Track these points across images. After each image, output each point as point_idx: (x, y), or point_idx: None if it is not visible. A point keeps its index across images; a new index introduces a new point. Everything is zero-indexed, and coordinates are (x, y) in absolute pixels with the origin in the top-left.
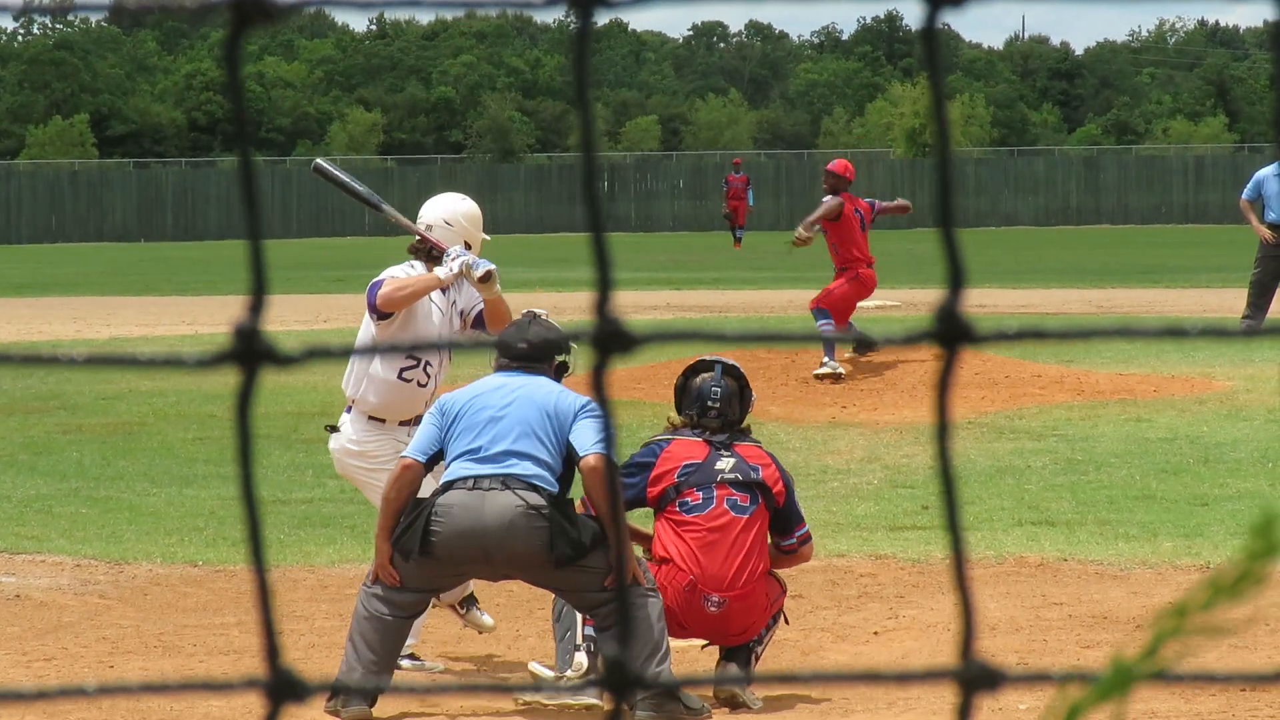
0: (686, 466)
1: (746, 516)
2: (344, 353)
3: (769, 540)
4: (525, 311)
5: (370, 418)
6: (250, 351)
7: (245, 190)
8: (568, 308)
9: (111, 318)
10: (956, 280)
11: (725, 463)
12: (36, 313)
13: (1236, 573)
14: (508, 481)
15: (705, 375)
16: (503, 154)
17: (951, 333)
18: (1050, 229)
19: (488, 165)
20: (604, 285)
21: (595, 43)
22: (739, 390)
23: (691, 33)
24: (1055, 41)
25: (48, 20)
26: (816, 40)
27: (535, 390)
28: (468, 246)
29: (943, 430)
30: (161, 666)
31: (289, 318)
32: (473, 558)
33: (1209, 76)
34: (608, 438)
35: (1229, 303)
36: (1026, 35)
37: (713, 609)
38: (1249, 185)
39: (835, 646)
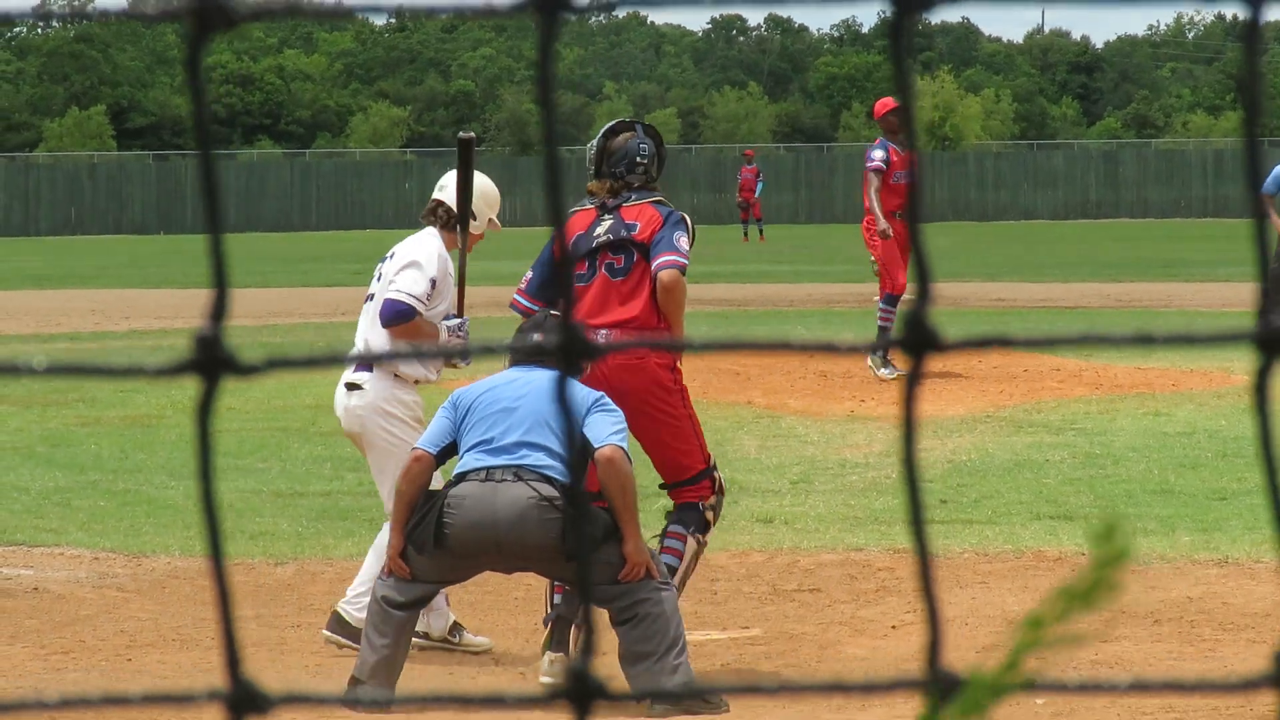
0: (576, 239)
1: (622, 278)
2: (304, 363)
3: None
4: (540, 310)
5: (396, 376)
6: (211, 360)
7: (207, 200)
8: None
9: (130, 310)
10: (924, 288)
11: (602, 226)
12: (56, 305)
13: (1089, 581)
14: (520, 473)
15: (627, 135)
16: (521, 147)
17: (918, 340)
18: (1069, 223)
19: (506, 158)
20: (567, 295)
21: (614, 35)
22: (656, 149)
23: (711, 26)
24: (1075, 35)
25: (67, 12)
26: (836, 34)
27: (549, 383)
28: (470, 218)
29: (909, 436)
30: (179, 660)
31: (308, 310)
32: (485, 549)
33: (1229, 70)
34: (620, 431)
35: (1248, 297)
36: (1047, 29)
37: (600, 337)
38: (1269, 179)
39: (853, 640)
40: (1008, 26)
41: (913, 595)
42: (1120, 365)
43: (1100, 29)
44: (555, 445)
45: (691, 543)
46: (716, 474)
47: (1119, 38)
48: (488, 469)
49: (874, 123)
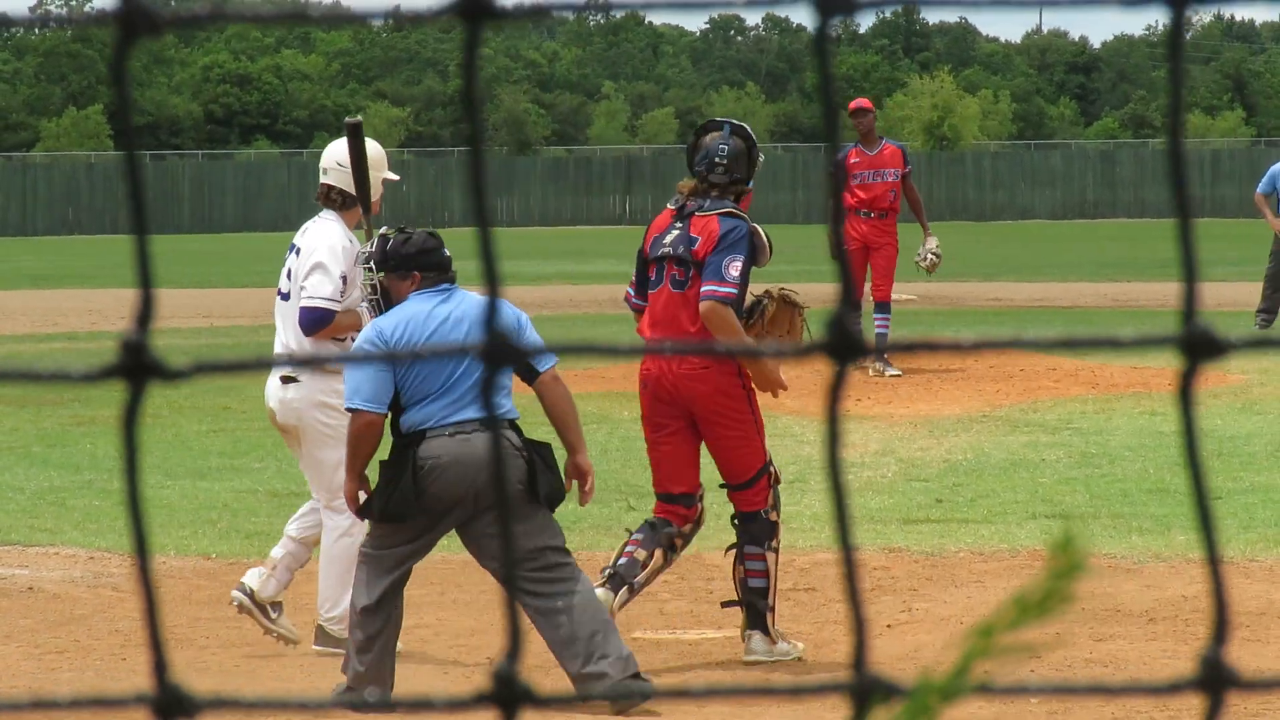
0: (653, 240)
1: (682, 292)
2: (231, 367)
3: None
4: (382, 230)
5: (329, 371)
6: (138, 365)
7: (133, 204)
8: (584, 301)
9: (128, 310)
10: (846, 292)
11: (670, 235)
12: (53, 305)
13: (1043, 591)
14: (483, 421)
15: (715, 134)
16: (519, 146)
17: (842, 345)
18: (1067, 223)
19: (504, 158)
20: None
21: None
22: (746, 150)
23: (709, 26)
24: (1073, 36)
25: (64, 11)
26: (834, 34)
27: (475, 312)
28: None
29: (833, 439)
30: (174, 659)
31: None
32: (463, 503)
33: (1226, 70)
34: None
35: (1244, 296)
36: (1044, 29)
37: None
38: (1264, 179)
39: (848, 639)
40: (1005, 26)
41: (908, 594)
42: (1117, 365)
43: (1098, 29)
44: (504, 380)
45: (771, 558)
46: (772, 467)
47: (1116, 38)
48: (456, 424)
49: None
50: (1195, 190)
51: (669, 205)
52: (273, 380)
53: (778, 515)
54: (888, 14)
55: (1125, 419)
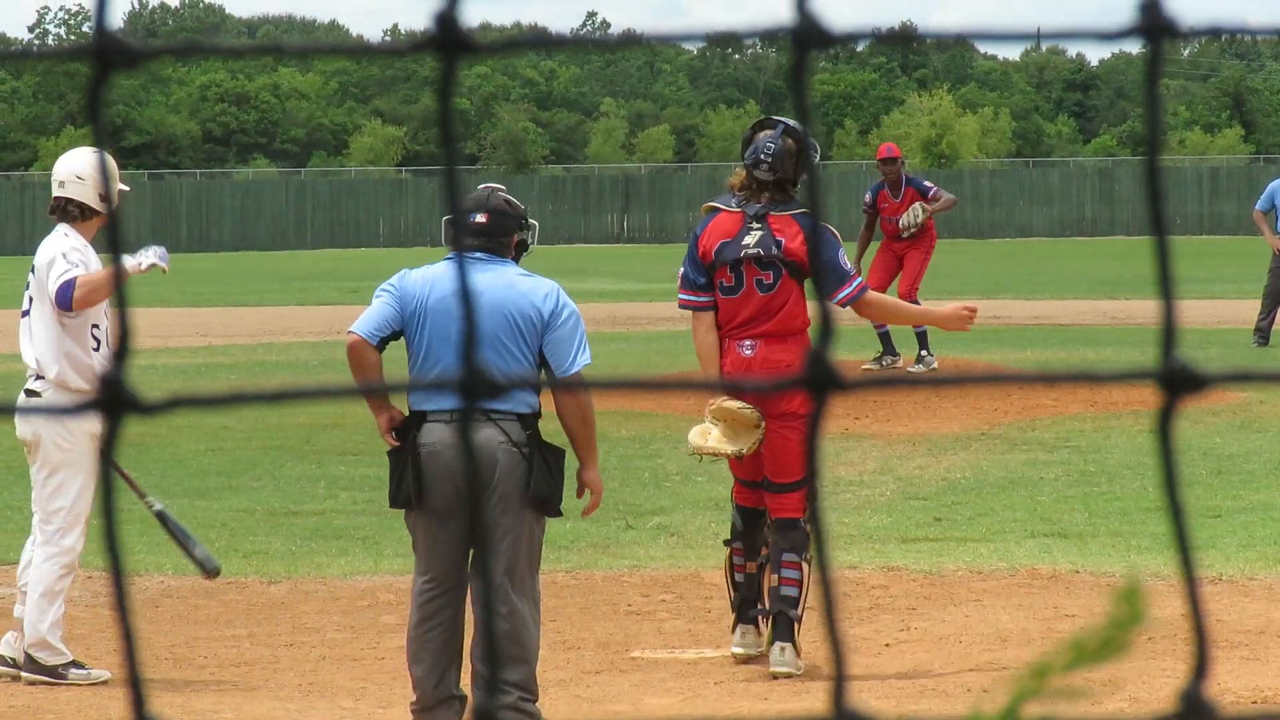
0: (721, 244)
1: (770, 294)
2: (207, 401)
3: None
4: (482, 186)
5: (74, 391)
6: (115, 400)
7: (111, 248)
8: (585, 318)
9: (122, 331)
10: (826, 327)
11: (752, 237)
12: None
13: (1101, 638)
14: (490, 412)
15: (768, 131)
16: (517, 165)
17: (820, 380)
18: (1065, 240)
19: (502, 177)
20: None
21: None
22: (797, 150)
23: (706, 45)
24: (1071, 53)
25: (62, 32)
26: (831, 52)
27: (502, 294)
28: (104, 199)
29: (812, 475)
30: (172, 679)
31: (303, 329)
32: (461, 497)
33: (1225, 88)
34: (583, 347)
35: (1243, 314)
36: (1043, 47)
37: (747, 352)
38: (1263, 196)
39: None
40: (1003, 44)
41: (906, 613)
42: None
43: (1095, 47)
44: (519, 367)
45: (806, 568)
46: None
47: (1114, 55)
48: (454, 410)
49: (867, 140)
50: (1193, 207)
51: (726, 207)
52: (20, 395)
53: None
54: (884, 30)
55: (1124, 437)
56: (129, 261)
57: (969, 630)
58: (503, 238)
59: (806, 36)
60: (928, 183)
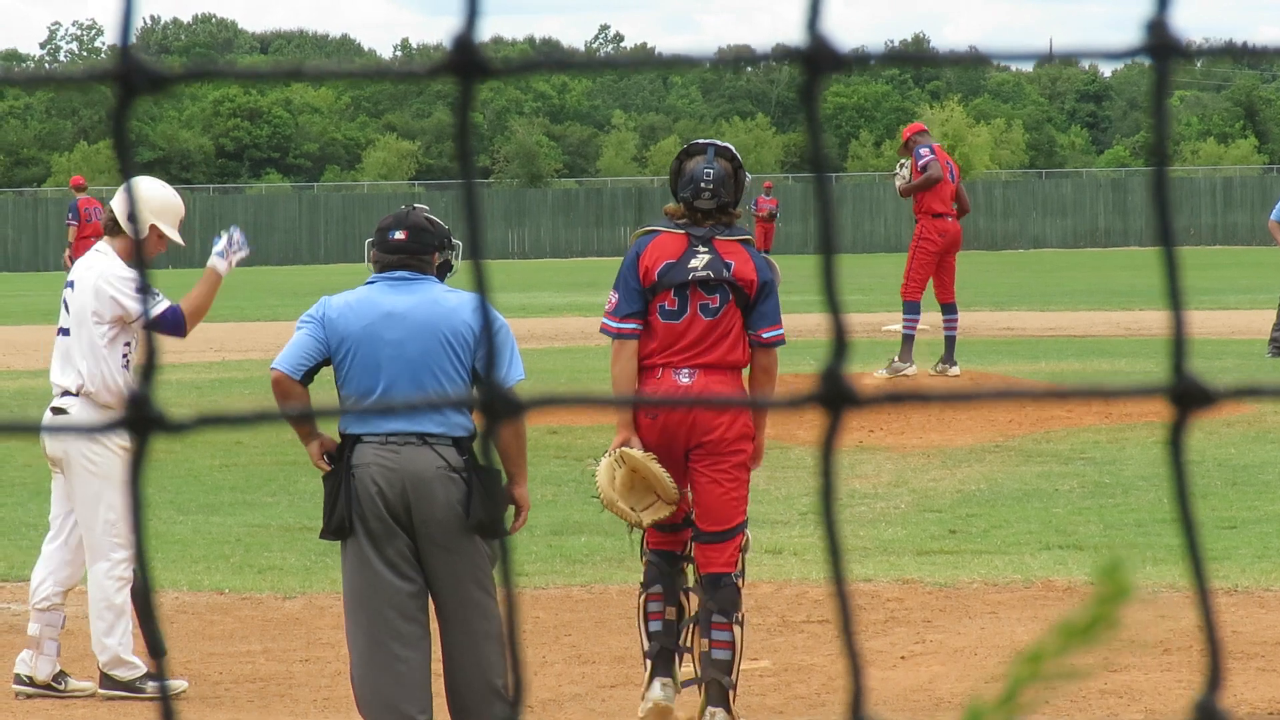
0: (665, 266)
1: (714, 319)
2: (234, 420)
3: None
4: (404, 206)
5: (103, 407)
6: (142, 419)
7: (139, 277)
8: (595, 333)
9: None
10: (840, 342)
11: (699, 260)
12: None
13: (1089, 618)
14: (425, 436)
15: (698, 158)
16: (530, 179)
17: (835, 396)
18: (1078, 251)
19: (515, 190)
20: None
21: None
22: (733, 172)
23: (715, 65)
24: (1084, 65)
25: (74, 47)
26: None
27: (429, 313)
28: (130, 220)
29: (827, 493)
30: (187, 694)
31: None
32: (399, 521)
33: (1238, 98)
34: (514, 359)
35: (1257, 325)
36: (1055, 58)
37: (684, 380)
38: (1277, 207)
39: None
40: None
41: (922, 626)
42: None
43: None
44: (455, 387)
45: (738, 630)
46: (746, 531)
47: (1127, 66)
48: (387, 433)
49: (880, 153)
50: (1207, 218)
51: (673, 229)
52: (46, 412)
53: (743, 583)
54: (897, 43)
55: (1138, 449)
56: (219, 265)
57: (984, 643)
58: (423, 255)
59: (817, 58)
60: (924, 151)
